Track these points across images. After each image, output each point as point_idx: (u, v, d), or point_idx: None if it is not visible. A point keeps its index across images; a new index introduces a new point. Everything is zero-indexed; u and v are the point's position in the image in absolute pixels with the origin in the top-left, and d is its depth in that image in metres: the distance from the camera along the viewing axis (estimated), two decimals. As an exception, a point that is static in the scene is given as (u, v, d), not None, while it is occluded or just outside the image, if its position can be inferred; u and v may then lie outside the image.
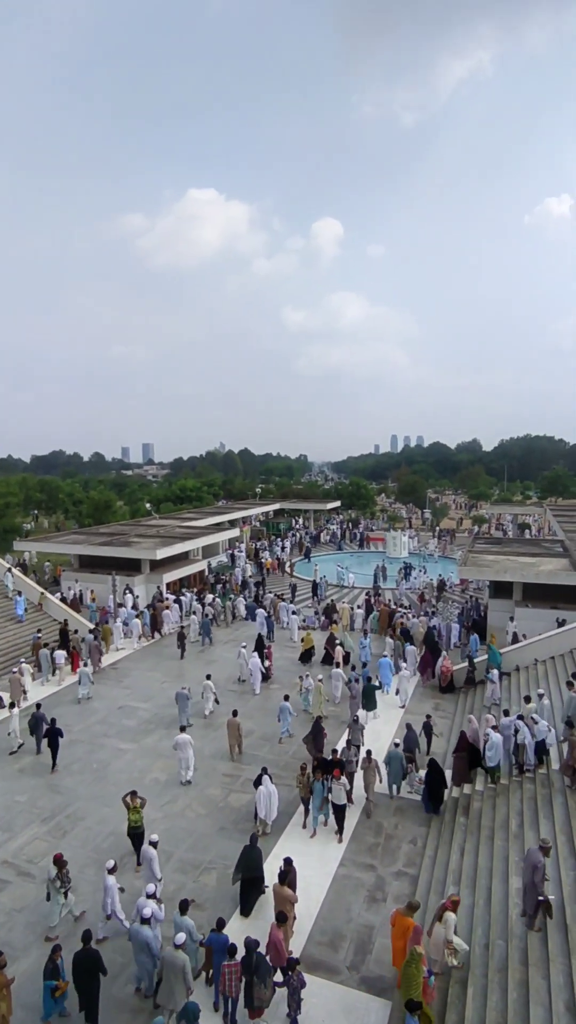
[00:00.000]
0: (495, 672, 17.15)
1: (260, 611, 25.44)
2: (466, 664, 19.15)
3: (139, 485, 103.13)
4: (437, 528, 58.15)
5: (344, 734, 15.34)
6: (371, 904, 10.36)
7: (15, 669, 19.39)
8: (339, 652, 20.48)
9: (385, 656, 20.12)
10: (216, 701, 17.49)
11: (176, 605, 26.99)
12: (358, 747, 13.62)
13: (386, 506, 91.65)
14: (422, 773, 13.23)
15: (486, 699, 16.92)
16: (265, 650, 20.81)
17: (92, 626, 24.00)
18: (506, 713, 14.35)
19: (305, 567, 42.51)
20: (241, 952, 8.59)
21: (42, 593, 26.02)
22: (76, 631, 23.34)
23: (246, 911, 9.98)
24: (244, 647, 20.78)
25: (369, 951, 9.42)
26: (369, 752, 12.98)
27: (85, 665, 19.54)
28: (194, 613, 26.27)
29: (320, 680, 17.58)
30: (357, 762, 13.13)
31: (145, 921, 8.67)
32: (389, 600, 29.76)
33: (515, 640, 21.28)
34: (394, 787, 13.35)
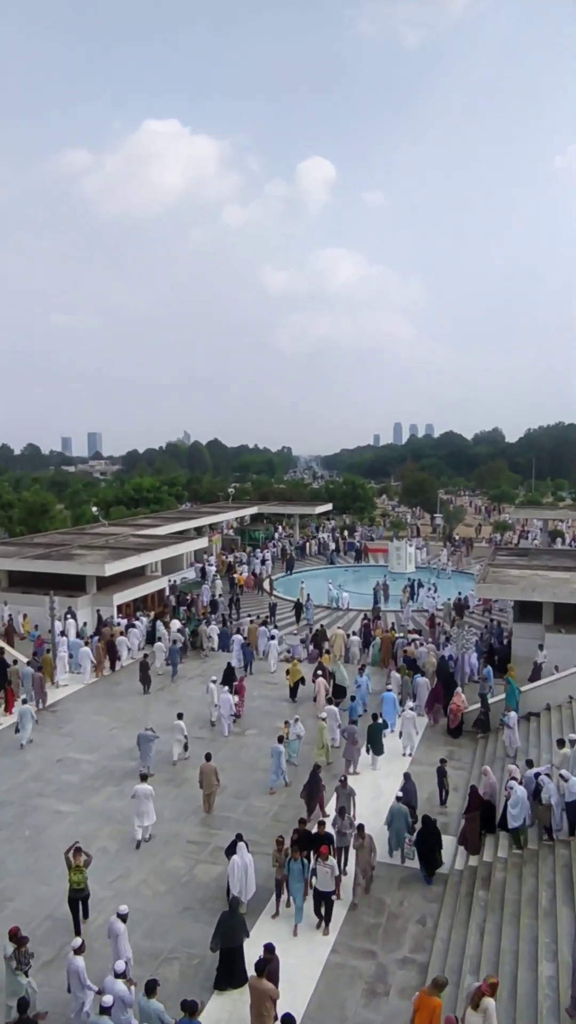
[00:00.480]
0: (512, 715, 17.16)
1: (237, 637, 25.89)
2: (479, 705, 19.42)
3: (84, 484, 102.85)
4: (451, 536, 58.99)
5: (332, 798, 15.05)
6: (371, 999, 10.18)
7: None
8: (320, 685, 20.92)
9: (389, 690, 20.38)
10: (186, 747, 17.75)
11: (134, 629, 27.16)
12: (348, 817, 13.17)
13: (388, 510, 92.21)
14: (408, 835, 13.34)
15: (507, 747, 17.02)
16: (235, 683, 21.12)
17: (26, 660, 23.95)
18: (529, 764, 14.58)
19: (288, 584, 42.71)
20: None
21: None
22: (15, 661, 23.30)
23: (222, 984, 10.14)
24: (214, 680, 21.07)
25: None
26: (361, 827, 12.48)
27: (25, 703, 19.46)
28: (159, 639, 26.61)
29: (323, 719, 17.90)
30: (351, 835, 12.76)
31: (105, 1011, 8.75)
32: (392, 625, 30.03)
33: (536, 673, 21.46)
34: (396, 852, 13.45)
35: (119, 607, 30.01)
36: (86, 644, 24.96)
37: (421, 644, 25.13)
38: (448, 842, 13.68)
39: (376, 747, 17.39)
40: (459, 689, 20.23)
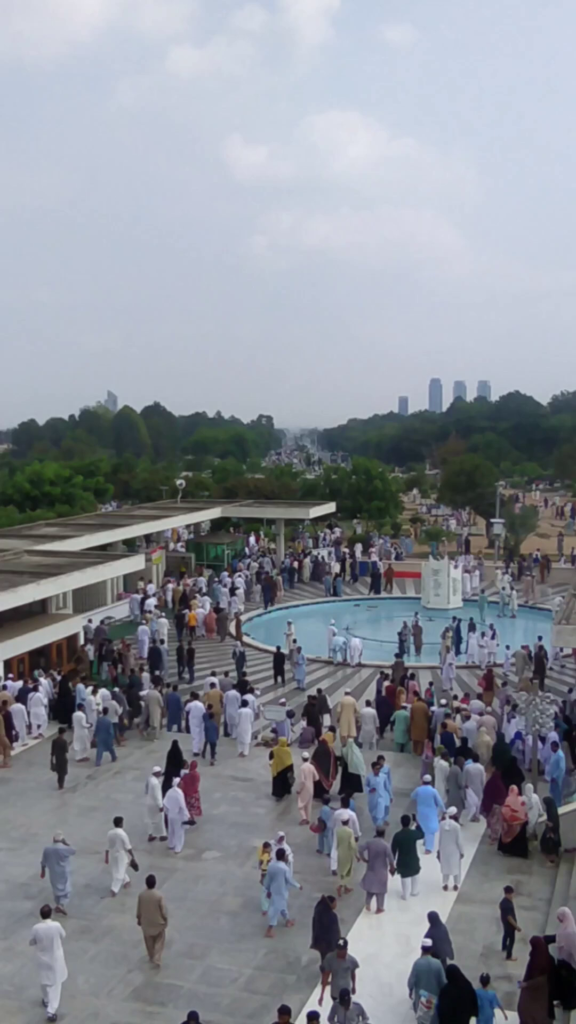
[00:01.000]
0: None
1: (196, 705, 26.34)
2: (544, 817, 19.82)
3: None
4: (516, 553, 59.36)
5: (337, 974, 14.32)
6: None
7: None
8: (307, 773, 21.13)
9: (427, 783, 20.69)
10: (134, 865, 18.08)
11: (36, 694, 27.55)
12: (355, 1007, 13.07)
13: (422, 512, 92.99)
14: (429, 993, 13.55)
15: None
16: (183, 773, 21.48)
17: None
18: None
19: (269, 625, 42.81)
20: None
21: None
22: None
23: None
24: (157, 772, 21.25)
25: None
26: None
27: None
28: (80, 707, 26.90)
29: (346, 822, 18.34)
30: None
31: None
32: (429, 689, 30.21)
33: None
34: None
35: (6, 663, 30.06)
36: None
37: (471, 716, 25.36)
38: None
39: (408, 866, 17.65)
40: (524, 785, 20.52)
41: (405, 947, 15.90)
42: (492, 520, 67.68)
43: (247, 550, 59.33)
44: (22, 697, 27.62)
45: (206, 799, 22.05)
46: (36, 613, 33.58)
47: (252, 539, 63.57)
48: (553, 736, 23.09)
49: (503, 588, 46.83)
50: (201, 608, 41.94)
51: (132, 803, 21.77)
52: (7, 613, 30.69)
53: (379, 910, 17.18)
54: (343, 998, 13.04)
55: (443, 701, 27.66)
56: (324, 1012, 13.03)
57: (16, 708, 26.51)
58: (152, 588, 45.38)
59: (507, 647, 35.12)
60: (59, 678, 30.29)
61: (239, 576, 48.84)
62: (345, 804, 19.56)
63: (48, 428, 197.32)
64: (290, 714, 26.76)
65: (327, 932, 14.90)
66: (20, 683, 28.90)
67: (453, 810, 19.35)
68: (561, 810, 19.70)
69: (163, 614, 41.00)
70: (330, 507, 65.60)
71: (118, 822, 18.25)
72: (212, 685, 28.54)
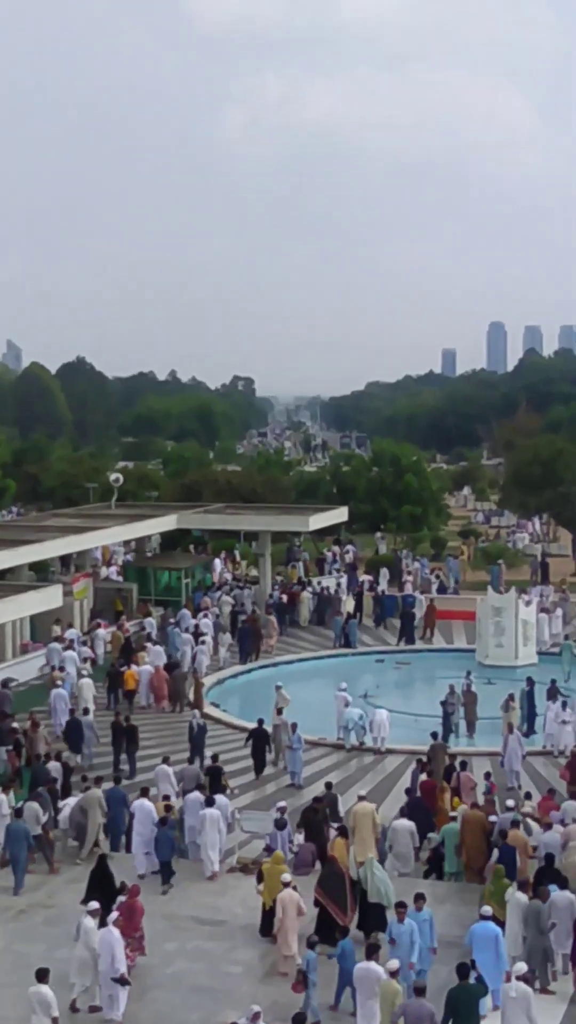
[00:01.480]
0: None
1: (143, 806, 26.56)
2: None
3: None
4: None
5: None
6: None
7: None
8: (289, 903, 21.50)
9: (486, 917, 20.71)
10: None
11: None
12: None
13: (475, 520, 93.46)
14: None
15: None
16: (119, 902, 21.63)
17: None
18: None
19: (248, 689, 43.19)
20: None
21: None
22: None
23: None
24: (92, 911, 21.03)
25: None
26: None
27: None
28: None
29: (394, 974, 18.48)
30: None
31: None
32: (487, 783, 29.93)
33: None
34: None
35: None
36: None
37: (553, 826, 25.34)
38: None
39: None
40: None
41: None
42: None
43: (214, 578, 59.35)
44: None
45: (155, 950, 21.95)
46: None
47: (219, 562, 63.81)
48: None
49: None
50: (148, 663, 41.68)
51: (44, 957, 21.12)
52: None
53: None
54: None
55: (509, 803, 27.46)
56: None
57: None
58: (73, 634, 44.88)
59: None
60: None
61: (205, 616, 48.57)
62: (371, 953, 19.28)
63: None
64: (279, 824, 26.66)
65: None
66: None
67: (523, 967, 18.96)
68: None
69: (88, 671, 40.65)
70: (340, 514, 65.44)
71: (42, 975, 18.28)
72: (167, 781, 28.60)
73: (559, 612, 52.37)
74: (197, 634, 45.74)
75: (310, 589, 56.24)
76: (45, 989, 18.05)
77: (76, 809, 27.64)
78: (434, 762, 30.86)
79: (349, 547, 70.10)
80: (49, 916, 23.82)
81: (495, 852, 24.36)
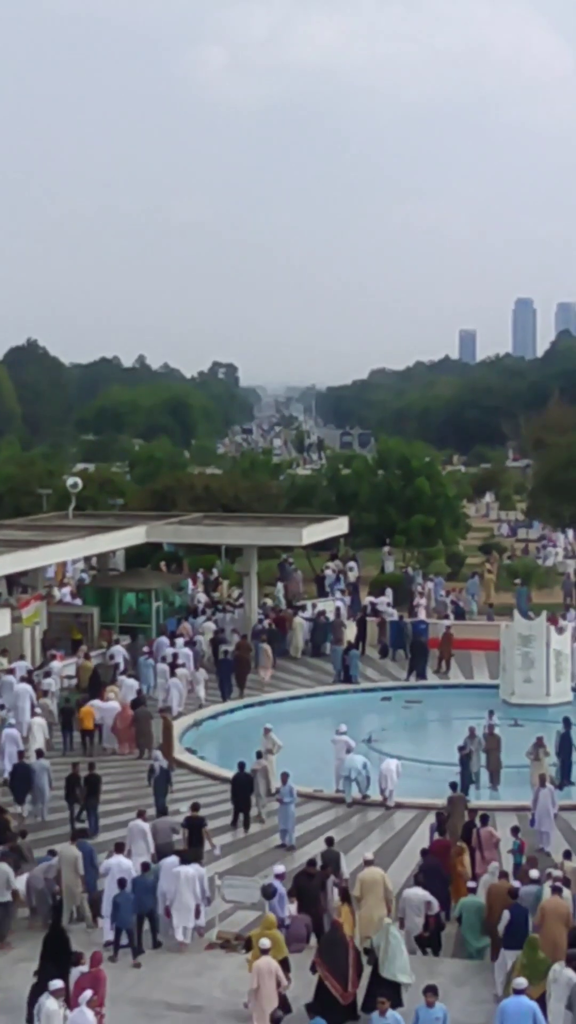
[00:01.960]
0: None
1: (117, 864, 25.98)
2: None
3: None
4: None
5: None
6: None
7: None
8: (264, 972, 21.34)
9: (520, 991, 20.12)
10: None
11: None
12: None
13: (499, 533, 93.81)
14: None
15: None
16: (79, 973, 21.23)
17: None
18: None
19: (229, 732, 43.35)
20: None
21: None
22: None
23: None
24: (56, 990, 20.14)
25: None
26: None
27: None
28: None
29: None
30: None
31: None
32: (517, 842, 28.83)
33: None
34: None
35: None
36: None
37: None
38: None
39: None
40: None
41: None
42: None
43: (193, 602, 58.84)
44: None
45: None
46: None
47: (201, 580, 64.33)
48: None
49: None
50: (111, 699, 40.38)
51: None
52: None
53: None
54: None
55: (533, 874, 25.55)
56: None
57: None
58: (22, 666, 43.64)
59: None
60: None
61: (181, 646, 47.36)
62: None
63: None
64: (268, 892, 25.42)
65: None
66: None
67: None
68: None
69: (38, 709, 39.36)
70: (339, 525, 64.27)
71: None
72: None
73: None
74: (174, 665, 44.77)
75: (303, 614, 55.08)
76: None
77: (37, 873, 26.46)
78: (452, 817, 29.88)
79: (351, 564, 69.21)
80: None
81: (505, 914, 23.31)
